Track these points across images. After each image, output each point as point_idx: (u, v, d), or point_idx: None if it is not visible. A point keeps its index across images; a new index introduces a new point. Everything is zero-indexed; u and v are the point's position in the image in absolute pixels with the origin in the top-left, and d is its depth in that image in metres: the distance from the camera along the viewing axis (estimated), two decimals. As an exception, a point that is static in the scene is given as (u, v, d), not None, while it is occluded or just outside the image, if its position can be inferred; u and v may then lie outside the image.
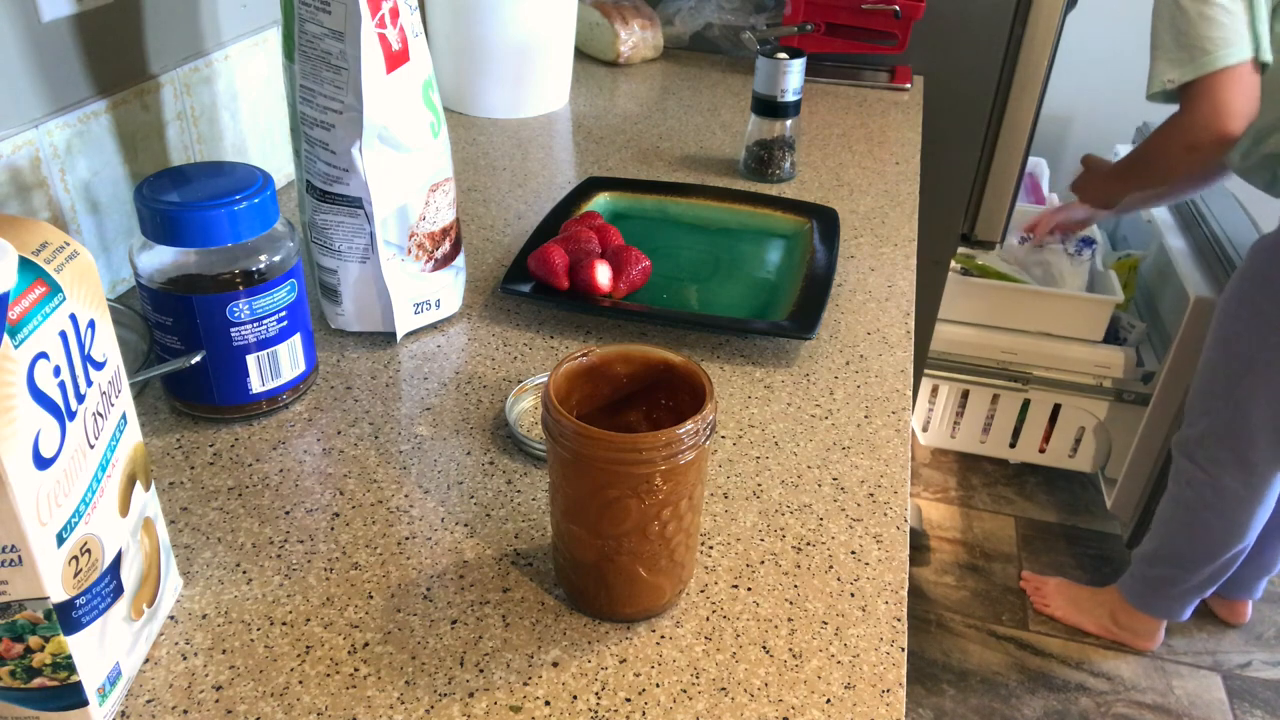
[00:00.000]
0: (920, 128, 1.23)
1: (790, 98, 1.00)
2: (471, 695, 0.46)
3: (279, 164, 0.97)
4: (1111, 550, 1.95)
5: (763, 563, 0.55)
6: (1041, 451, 2.07)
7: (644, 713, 0.46)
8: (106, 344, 0.43)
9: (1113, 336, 1.95)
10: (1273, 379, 1.40)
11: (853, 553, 0.56)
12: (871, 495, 0.60)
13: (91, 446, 0.41)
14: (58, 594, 0.39)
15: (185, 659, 0.48)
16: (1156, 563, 1.63)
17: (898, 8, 1.32)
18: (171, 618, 0.50)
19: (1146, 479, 1.87)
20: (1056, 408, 1.99)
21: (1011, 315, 1.95)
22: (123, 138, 0.76)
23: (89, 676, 0.42)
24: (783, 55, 0.99)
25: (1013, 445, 2.08)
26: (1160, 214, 2.04)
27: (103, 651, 0.43)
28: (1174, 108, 1.31)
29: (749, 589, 0.53)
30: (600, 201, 0.93)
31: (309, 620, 0.50)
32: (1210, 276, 1.78)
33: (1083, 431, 2.01)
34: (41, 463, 0.37)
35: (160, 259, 0.59)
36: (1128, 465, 1.90)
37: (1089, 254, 2.01)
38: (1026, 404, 2.01)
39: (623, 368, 0.51)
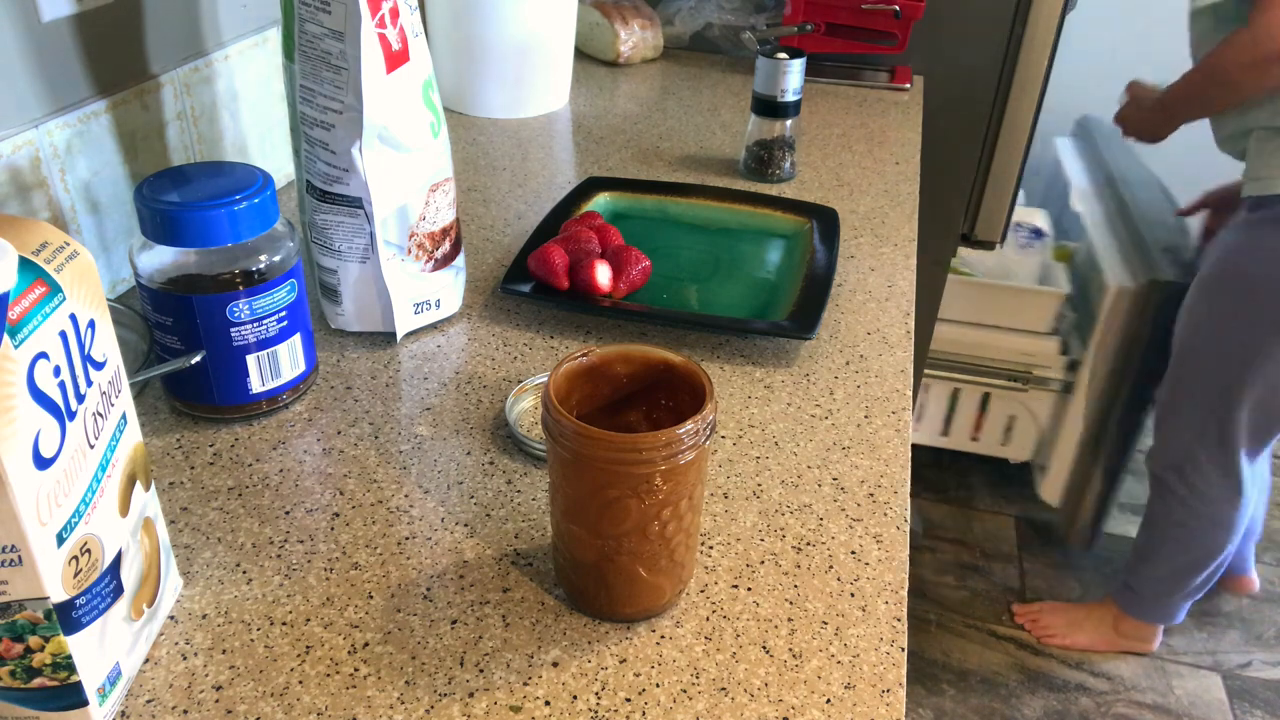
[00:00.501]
0: (920, 128, 1.23)
1: (790, 98, 1.00)
2: (471, 695, 0.46)
3: (279, 164, 0.97)
4: (1110, 548, 1.95)
5: (763, 563, 0.55)
6: (974, 440, 2.07)
7: (644, 713, 0.46)
8: (106, 344, 0.43)
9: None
10: (1258, 383, 1.40)
11: (853, 553, 0.56)
12: (871, 495, 0.60)
13: (91, 446, 0.41)
14: (58, 594, 0.39)
15: (185, 659, 0.48)
16: (1155, 577, 1.62)
17: (898, 8, 1.31)
18: (171, 618, 0.50)
19: (1073, 466, 1.89)
20: (986, 396, 2.00)
21: (957, 307, 1.95)
22: (123, 138, 0.76)
23: (89, 676, 0.42)
24: (783, 55, 0.99)
25: (945, 434, 2.09)
26: (1087, 202, 2.04)
27: (103, 651, 0.43)
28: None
29: (749, 589, 0.53)
30: (600, 201, 0.93)
31: (309, 620, 0.50)
32: (1129, 266, 1.79)
33: (1014, 420, 2.01)
34: (41, 463, 0.37)
35: (160, 259, 0.59)
36: (1056, 453, 1.91)
37: (1039, 245, 2.01)
38: (956, 393, 2.01)
39: (623, 368, 0.51)
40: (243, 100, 0.90)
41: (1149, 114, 1.48)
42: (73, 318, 0.39)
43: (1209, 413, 1.45)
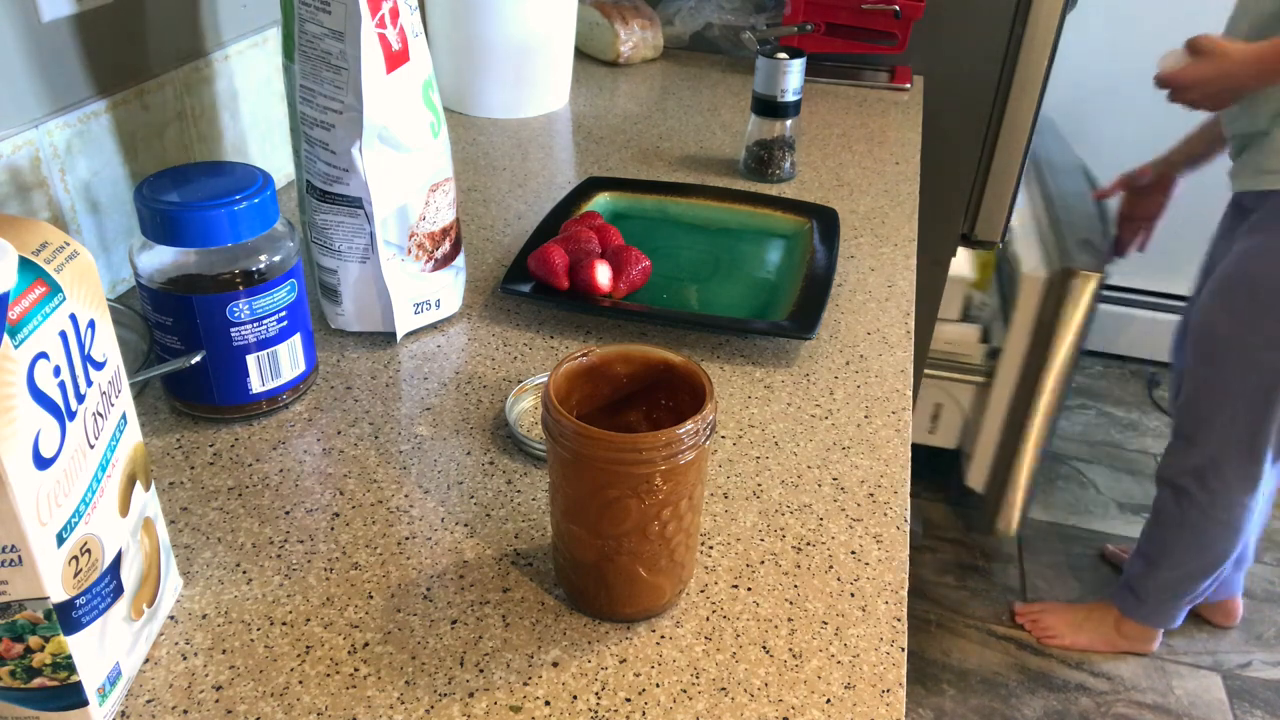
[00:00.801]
0: (920, 128, 1.23)
1: (790, 98, 1.00)
2: (471, 695, 0.47)
3: (279, 164, 0.97)
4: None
5: (763, 563, 0.55)
6: None
7: (644, 713, 0.46)
8: (106, 344, 0.43)
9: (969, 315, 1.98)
10: None
11: (853, 553, 0.56)
12: (871, 495, 0.60)
13: (91, 446, 0.41)
14: (58, 594, 0.39)
15: (185, 659, 0.48)
16: (1161, 582, 1.61)
17: (898, 8, 1.32)
18: (171, 618, 0.50)
19: (996, 453, 1.91)
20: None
21: None
22: (123, 138, 0.76)
23: (89, 676, 0.42)
24: (783, 55, 0.99)
25: None
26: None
27: (103, 651, 0.43)
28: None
29: (749, 589, 0.53)
30: (600, 201, 0.93)
31: (309, 620, 0.50)
32: (1044, 255, 1.80)
33: (940, 408, 2.02)
34: (41, 463, 0.37)
35: (160, 259, 0.59)
36: (980, 440, 1.92)
37: None
38: None
39: (623, 368, 0.51)
40: (243, 100, 0.90)
41: (1229, 69, 1.27)
42: (73, 318, 0.39)
43: (1241, 421, 1.43)
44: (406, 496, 0.59)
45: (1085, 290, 1.69)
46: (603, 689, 0.47)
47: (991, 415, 1.89)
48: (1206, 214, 2.32)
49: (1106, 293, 2.48)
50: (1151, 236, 1.73)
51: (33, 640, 0.40)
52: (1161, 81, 1.34)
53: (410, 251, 0.71)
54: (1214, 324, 1.44)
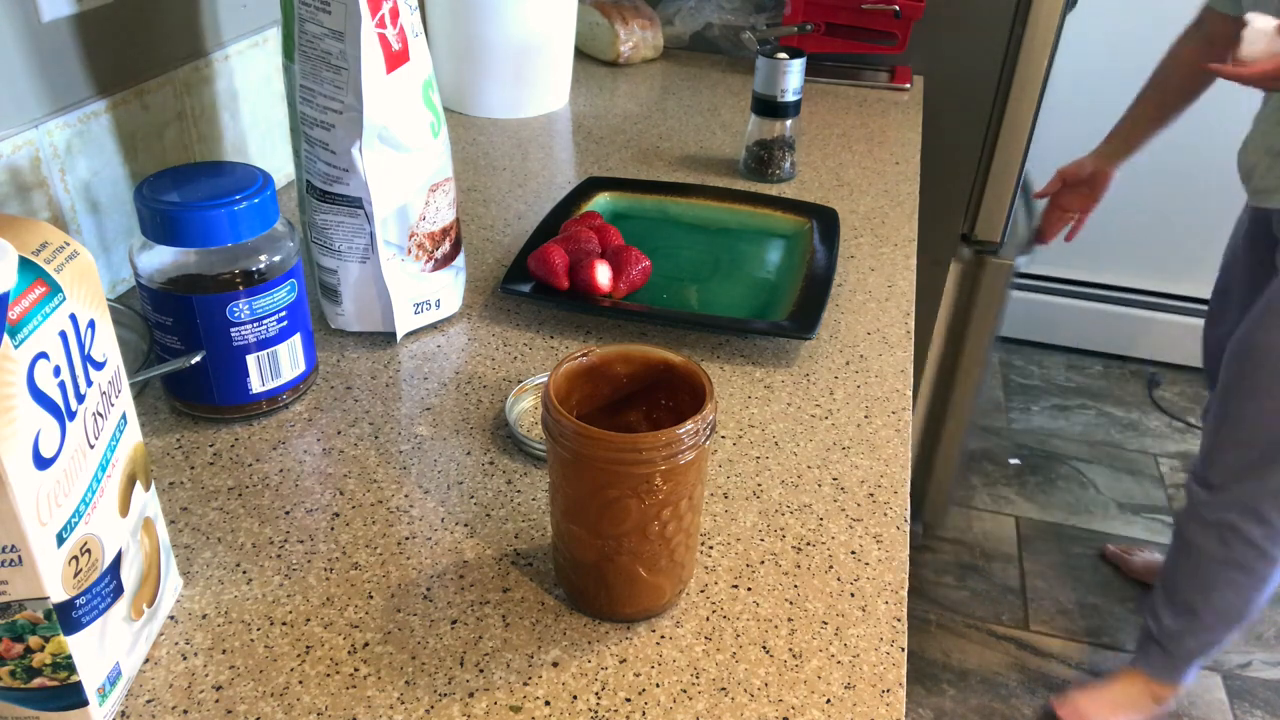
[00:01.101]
0: (920, 128, 1.23)
1: (790, 98, 1.00)
2: (471, 695, 0.47)
3: (279, 164, 0.97)
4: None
5: (763, 563, 0.55)
6: None
7: (644, 713, 0.46)
8: (106, 344, 0.43)
9: None
10: None
11: (853, 553, 0.56)
12: (871, 495, 0.60)
13: (91, 446, 0.41)
14: (58, 594, 0.39)
15: (185, 659, 0.48)
16: (1202, 631, 1.51)
17: (898, 8, 1.32)
18: (171, 618, 0.50)
19: (919, 443, 1.91)
20: None
21: None
22: (123, 138, 0.76)
23: (89, 676, 0.42)
24: (783, 55, 0.99)
25: None
26: None
27: (103, 651, 0.43)
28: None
29: (749, 589, 0.53)
30: (600, 201, 0.93)
31: (309, 620, 0.50)
32: (971, 249, 1.78)
33: None
34: (41, 463, 0.37)
35: (160, 259, 0.59)
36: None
37: None
38: None
39: (623, 368, 0.51)
40: (243, 100, 0.90)
41: None
42: (73, 318, 0.39)
43: None
44: (406, 496, 0.59)
45: (997, 279, 1.68)
46: (603, 689, 0.47)
47: (919, 412, 1.90)
48: (1207, 215, 2.33)
49: (1106, 292, 2.49)
50: (1082, 227, 1.71)
51: (33, 640, 0.40)
52: (1263, 73, 1.07)
53: (410, 251, 0.71)
54: (1271, 348, 1.31)
